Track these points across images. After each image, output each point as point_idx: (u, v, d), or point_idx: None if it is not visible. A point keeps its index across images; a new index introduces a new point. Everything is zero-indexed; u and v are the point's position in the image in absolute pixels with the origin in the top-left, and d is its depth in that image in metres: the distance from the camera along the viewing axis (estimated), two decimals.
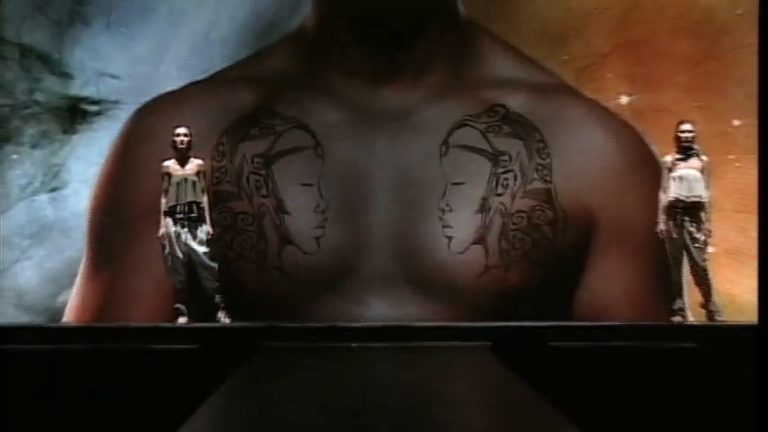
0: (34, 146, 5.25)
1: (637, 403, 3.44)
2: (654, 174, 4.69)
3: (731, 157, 4.88)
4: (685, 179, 4.58)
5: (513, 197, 4.99)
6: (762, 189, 4.52)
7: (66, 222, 5.30)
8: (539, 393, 2.68)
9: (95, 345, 4.22)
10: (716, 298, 4.63)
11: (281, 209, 5.05)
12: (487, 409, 2.52)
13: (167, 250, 4.56)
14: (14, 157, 5.21)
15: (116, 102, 5.27)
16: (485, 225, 5.00)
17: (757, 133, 4.37)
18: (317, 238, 5.04)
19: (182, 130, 4.57)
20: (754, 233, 4.80)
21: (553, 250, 4.96)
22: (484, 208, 5.01)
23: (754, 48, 4.97)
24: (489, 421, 2.31)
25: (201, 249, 4.56)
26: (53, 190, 5.31)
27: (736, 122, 5.01)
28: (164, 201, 4.56)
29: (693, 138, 4.59)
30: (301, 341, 4.39)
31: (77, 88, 5.28)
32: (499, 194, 4.98)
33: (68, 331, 4.92)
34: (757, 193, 4.52)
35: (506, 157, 5.03)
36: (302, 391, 2.78)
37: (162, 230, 4.53)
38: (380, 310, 4.86)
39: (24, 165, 5.23)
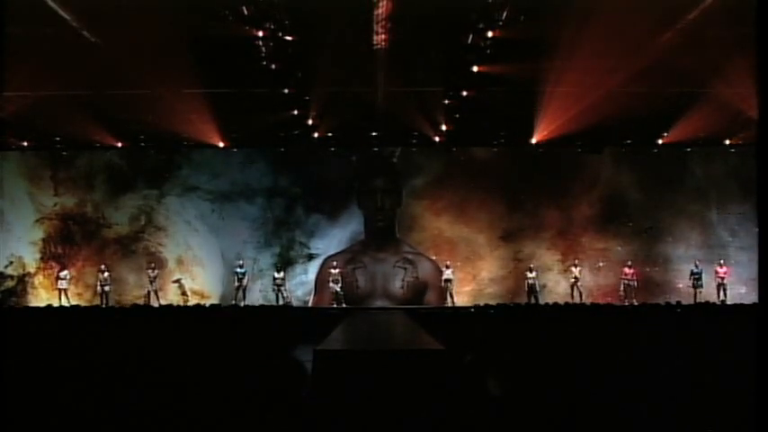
0: (300, 269, 21.47)
1: None
2: (441, 274, 20.72)
3: (458, 263, 20.90)
4: (452, 281, 20.60)
5: (410, 279, 21.05)
6: (762, 189, 3.62)
7: (310, 284, 21.42)
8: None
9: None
10: None
11: (356, 284, 21.14)
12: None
13: (333, 291, 20.61)
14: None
15: (319, 255, 21.51)
16: (402, 284, 21.08)
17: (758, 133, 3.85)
18: (361, 289, 21.19)
19: (334, 265, 20.70)
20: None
21: (417, 291, 21.03)
22: (403, 281, 21.09)
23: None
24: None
25: (340, 291, 20.56)
26: (303, 278, 21.55)
27: (458, 263, 21.09)
28: (331, 284, 20.46)
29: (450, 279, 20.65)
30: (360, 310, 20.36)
31: (310, 251, 21.52)
32: (404, 278, 21.05)
33: (306, 309, 21.12)
34: (757, 193, 3.84)
35: (409, 270, 21.10)
36: (365, 322, 18.42)
37: (332, 287, 20.51)
38: (379, 303, 20.81)
39: (297, 274, 21.54)
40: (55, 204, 22.28)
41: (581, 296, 20.58)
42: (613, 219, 21.91)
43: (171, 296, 21.49)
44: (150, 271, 20.99)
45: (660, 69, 15.26)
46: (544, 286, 21.14)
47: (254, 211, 21.92)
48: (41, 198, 22.28)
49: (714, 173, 21.84)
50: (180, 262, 22.00)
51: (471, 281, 21.32)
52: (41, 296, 21.67)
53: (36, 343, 8.22)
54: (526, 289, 20.63)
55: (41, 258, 22.07)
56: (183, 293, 21.74)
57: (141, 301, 20.36)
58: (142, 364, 6.09)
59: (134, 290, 21.61)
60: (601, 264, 21.70)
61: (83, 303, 21.04)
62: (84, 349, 7.72)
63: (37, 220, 22.20)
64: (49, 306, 18.47)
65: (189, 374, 5.54)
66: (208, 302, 20.79)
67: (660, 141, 20.92)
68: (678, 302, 18.04)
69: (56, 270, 21.45)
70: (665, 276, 21.66)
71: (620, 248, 21.73)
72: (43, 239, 22.15)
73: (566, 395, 5.12)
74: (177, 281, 21.87)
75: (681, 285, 20.96)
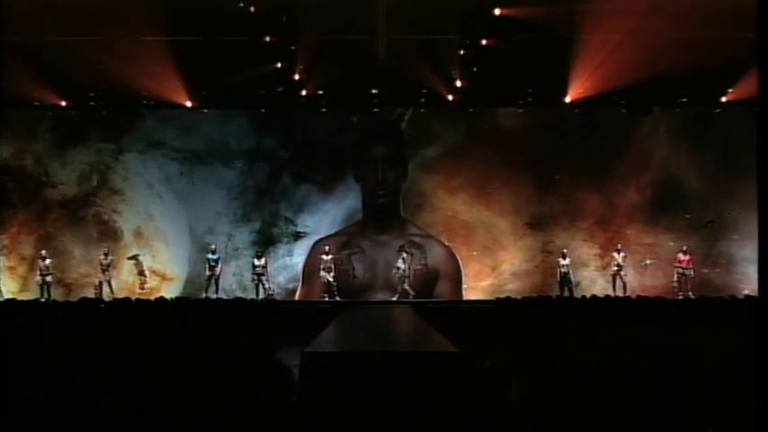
0: (283, 249, 21.50)
1: None
2: (456, 262, 20.82)
3: (475, 252, 21.02)
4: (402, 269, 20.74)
5: (416, 266, 21.08)
6: (762, 189, 3.87)
7: (295, 268, 21.45)
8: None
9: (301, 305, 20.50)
10: None
11: (352, 273, 21.18)
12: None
13: (324, 282, 20.67)
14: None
15: (308, 234, 21.46)
16: (404, 273, 21.04)
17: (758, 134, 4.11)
18: (359, 279, 21.26)
19: (326, 250, 20.70)
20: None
21: (426, 281, 21.02)
22: (409, 269, 21.14)
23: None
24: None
25: (333, 282, 20.62)
26: (287, 261, 21.52)
27: (475, 253, 21.15)
28: (323, 273, 20.40)
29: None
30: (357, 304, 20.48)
31: (296, 228, 21.46)
32: (411, 266, 21.06)
33: (293, 302, 21.22)
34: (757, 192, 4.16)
35: (416, 256, 21.12)
36: (363, 318, 18.45)
37: (323, 277, 20.51)
38: (379, 296, 20.84)
39: (280, 257, 21.57)
40: None
41: (624, 288, 20.47)
42: (666, 208, 21.61)
43: (125, 276, 21.32)
44: (103, 257, 20.66)
45: (721, 10, 15.12)
46: (578, 284, 20.97)
47: (232, 177, 21.78)
48: None
49: None
50: (138, 234, 21.77)
51: (489, 274, 21.36)
52: None
53: None
54: (558, 279, 20.64)
55: None
56: (141, 273, 21.53)
57: (92, 293, 20.01)
58: (97, 369, 6.10)
59: (80, 266, 21.42)
60: (648, 261, 21.60)
61: (16, 282, 21.02)
62: (23, 353, 7.72)
63: None
64: None
65: (153, 381, 5.55)
66: (170, 285, 20.92)
67: (724, 99, 20.69)
68: (746, 296, 17.69)
69: None
70: (728, 280, 21.27)
71: (672, 244, 21.40)
72: None
73: (601, 406, 5.14)
74: (134, 257, 21.66)
75: (747, 291, 20.11)
